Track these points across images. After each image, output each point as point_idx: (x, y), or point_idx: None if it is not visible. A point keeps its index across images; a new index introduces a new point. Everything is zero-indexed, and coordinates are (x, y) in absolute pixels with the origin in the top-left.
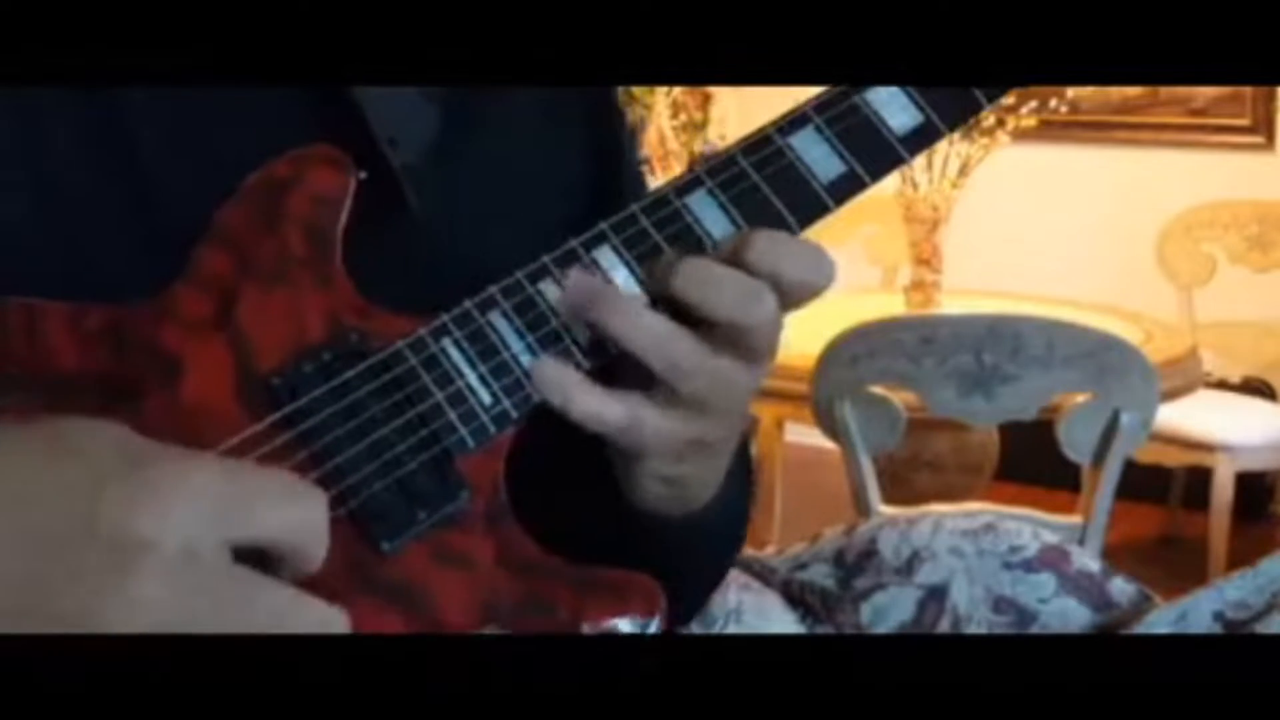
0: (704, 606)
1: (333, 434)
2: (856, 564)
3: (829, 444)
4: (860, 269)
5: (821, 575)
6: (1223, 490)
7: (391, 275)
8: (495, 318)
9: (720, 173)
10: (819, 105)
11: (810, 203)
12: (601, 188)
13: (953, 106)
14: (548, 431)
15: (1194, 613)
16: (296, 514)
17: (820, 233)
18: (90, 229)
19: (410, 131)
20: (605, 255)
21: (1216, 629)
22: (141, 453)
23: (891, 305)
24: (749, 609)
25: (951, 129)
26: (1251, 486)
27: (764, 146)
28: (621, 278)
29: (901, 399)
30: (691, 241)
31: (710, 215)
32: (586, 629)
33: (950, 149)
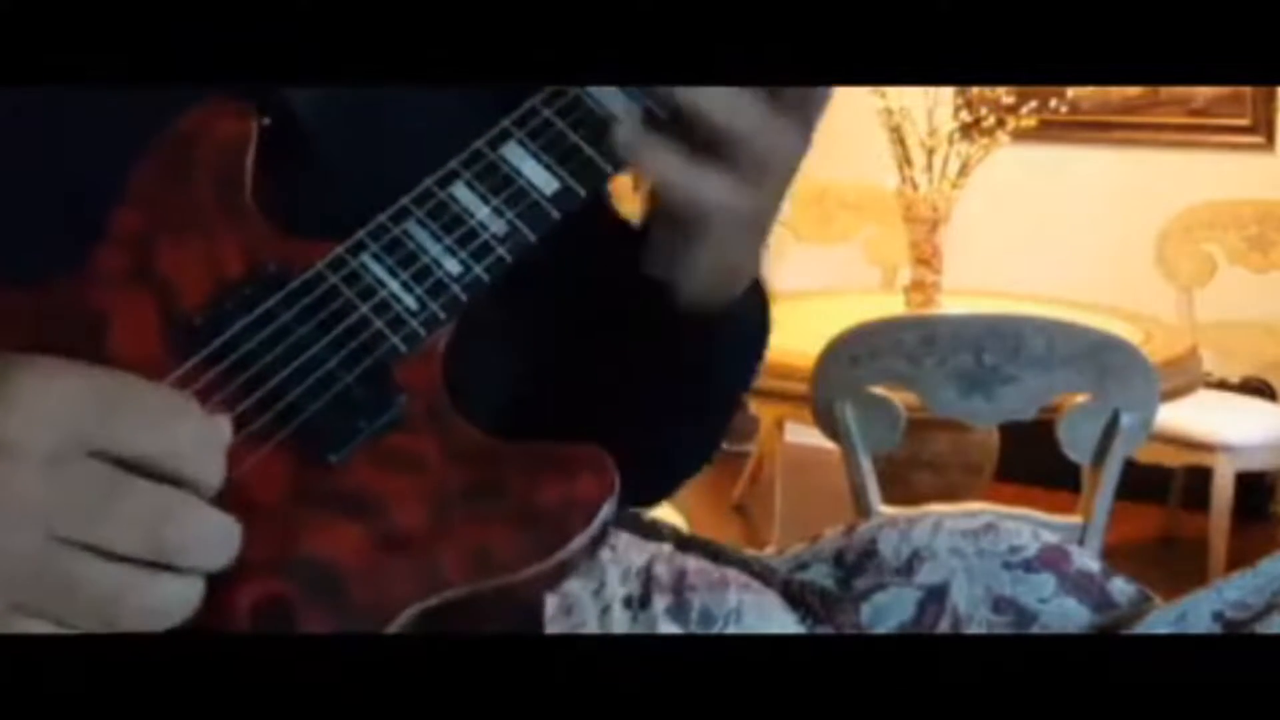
0: (727, 429)
1: (261, 361)
2: (856, 564)
3: (829, 444)
4: (860, 269)
5: (821, 575)
6: (1222, 490)
7: (311, 210)
8: (411, 226)
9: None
10: None
11: None
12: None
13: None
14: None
15: (1194, 613)
16: (170, 430)
17: (819, 233)
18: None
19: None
20: (513, 151)
21: (1216, 629)
22: (10, 361)
23: (892, 306)
24: (749, 609)
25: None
26: (1251, 487)
27: None
28: (531, 170)
29: (901, 399)
30: (597, 124)
31: (611, 95)
32: (542, 505)
33: (950, 149)
